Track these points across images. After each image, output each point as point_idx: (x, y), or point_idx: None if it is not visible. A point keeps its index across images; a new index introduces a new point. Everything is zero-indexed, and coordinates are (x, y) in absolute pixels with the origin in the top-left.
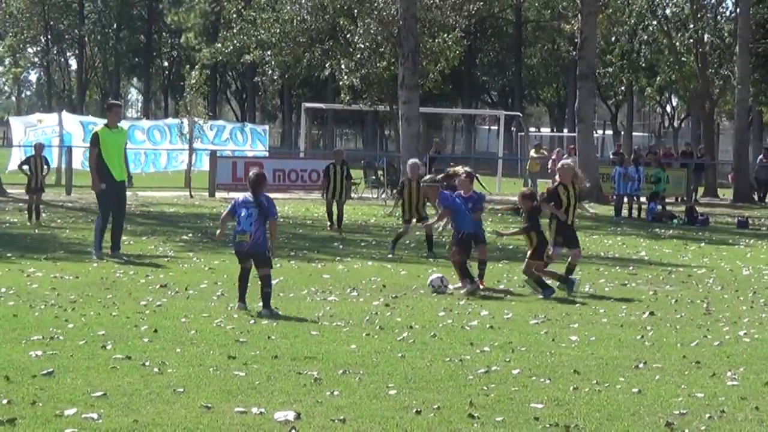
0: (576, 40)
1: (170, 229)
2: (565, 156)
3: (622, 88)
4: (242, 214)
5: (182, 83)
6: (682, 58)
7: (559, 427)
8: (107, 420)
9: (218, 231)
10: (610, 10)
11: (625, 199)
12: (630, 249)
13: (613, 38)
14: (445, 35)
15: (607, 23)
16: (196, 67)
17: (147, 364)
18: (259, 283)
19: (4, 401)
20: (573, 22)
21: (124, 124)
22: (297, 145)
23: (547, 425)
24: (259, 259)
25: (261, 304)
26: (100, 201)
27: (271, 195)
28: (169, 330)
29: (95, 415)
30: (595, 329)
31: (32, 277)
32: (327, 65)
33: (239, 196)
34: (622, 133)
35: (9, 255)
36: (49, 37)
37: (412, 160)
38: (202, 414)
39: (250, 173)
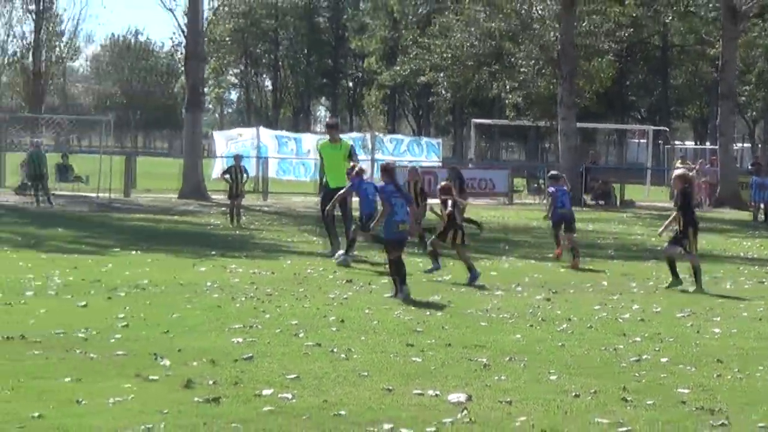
0: (717, 63)
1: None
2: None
3: (758, 104)
4: (397, 204)
5: (364, 101)
6: None
7: (704, 410)
8: (300, 400)
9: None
10: (749, 35)
11: (762, 206)
12: (767, 250)
13: (751, 60)
14: (599, 59)
15: (746, 47)
16: (374, 87)
17: (335, 350)
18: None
19: (210, 382)
20: (716, 46)
21: (311, 138)
22: (467, 156)
23: (693, 408)
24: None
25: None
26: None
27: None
28: (354, 320)
29: (289, 395)
30: (736, 322)
31: (233, 272)
32: (494, 86)
33: (363, 184)
34: (759, 145)
35: (213, 253)
36: (247, 60)
37: (411, 165)
38: (384, 395)
39: (384, 163)
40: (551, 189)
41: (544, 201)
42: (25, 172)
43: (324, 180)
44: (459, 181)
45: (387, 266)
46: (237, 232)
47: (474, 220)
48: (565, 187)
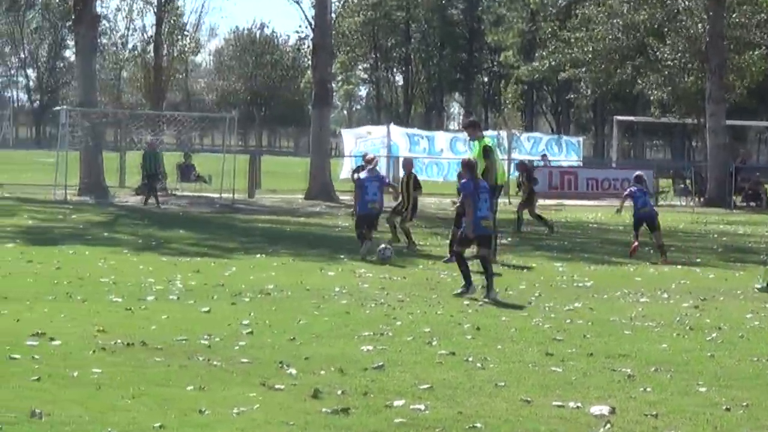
0: None
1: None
2: None
3: None
4: (484, 199)
5: (498, 98)
6: None
7: None
8: (433, 411)
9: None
10: None
11: None
12: None
13: None
14: (750, 52)
15: None
16: (511, 82)
17: (470, 359)
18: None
19: (339, 392)
20: None
21: (444, 137)
22: (609, 155)
23: None
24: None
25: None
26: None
27: (583, 202)
28: (490, 328)
29: (422, 407)
30: None
31: (363, 277)
32: (637, 81)
33: (467, 182)
34: None
35: (341, 257)
36: (377, 54)
37: (406, 157)
38: (522, 407)
39: (466, 159)
40: (631, 189)
41: (691, 203)
42: (141, 173)
43: None
44: (526, 174)
45: (486, 268)
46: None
47: (545, 219)
48: (644, 188)
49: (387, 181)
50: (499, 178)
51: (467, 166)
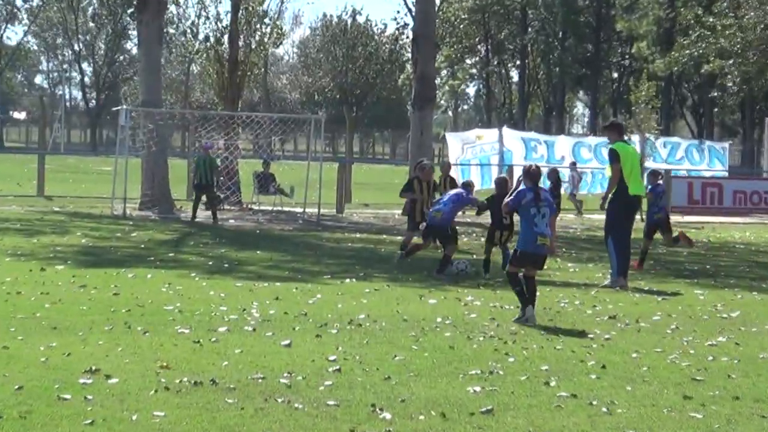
0: None
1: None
2: None
3: None
4: (543, 214)
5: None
6: None
7: None
8: None
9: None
10: None
11: None
12: None
13: None
14: None
15: None
16: (643, 78)
17: (594, 402)
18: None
19: None
20: None
21: (566, 142)
22: (759, 164)
23: None
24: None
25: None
26: (615, 221)
27: (730, 218)
28: (618, 366)
29: None
30: None
31: (470, 306)
32: None
33: (525, 192)
34: None
35: (444, 282)
36: (488, 46)
37: (427, 162)
38: None
39: (527, 165)
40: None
41: None
42: (192, 182)
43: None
44: (554, 183)
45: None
46: (474, 256)
47: (685, 237)
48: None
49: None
50: (634, 189)
51: (528, 173)
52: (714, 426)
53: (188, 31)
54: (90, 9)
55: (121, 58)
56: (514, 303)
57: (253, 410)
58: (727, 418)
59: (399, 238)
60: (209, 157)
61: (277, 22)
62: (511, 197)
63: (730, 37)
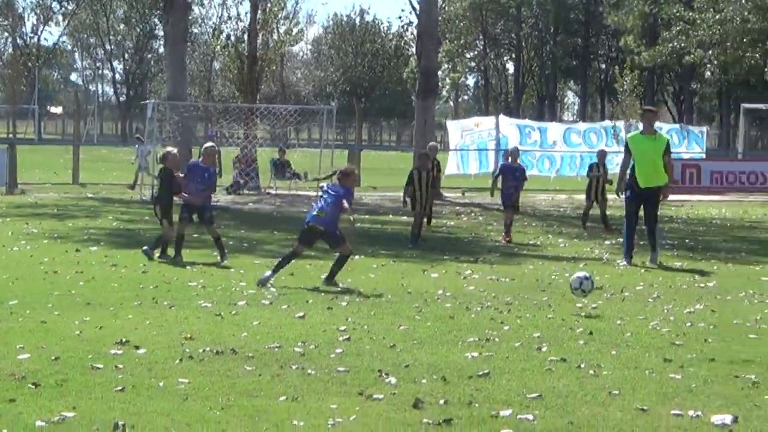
0: None
1: (600, 231)
2: None
3: None
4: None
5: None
6: None
7: None
8: (542, 421)
9: None
10: None
11: None
12: None
13: None
14: None
15: None
16: (626, 69)
17: (582, 366)
18: None
19: (441, 401)
20: None
21: (557, 128)
22: (735, 147)
23: None
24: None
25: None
26: (625, 208)
27: (708, 197)
28: (604, 332)
29: (530, 416)
30: None
31: (468, 279)
32: None
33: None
34: None
35: (446, 257)
36: (486, 41)
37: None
38: (637, 416)
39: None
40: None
41: None
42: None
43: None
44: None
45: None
46: (473, 235)
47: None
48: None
49: None
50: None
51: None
52: (692, 386)
53: (210, 31)
54: (120, 11)
55: (149, 56)
56: (510, 276)
57: (269, 376)
58: (704, 378)
59: (404, 218)
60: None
61: (293, 21)
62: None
63: (709, 29)
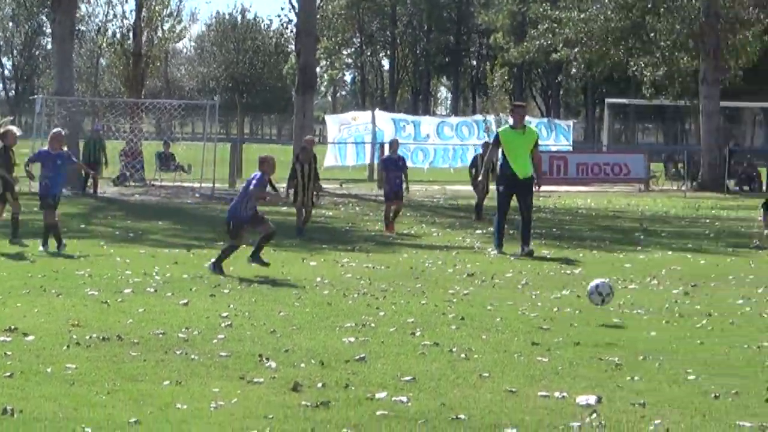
0: None
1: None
2: None
3: None
4: None
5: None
6: None
7: None
8: (416, 403)
9: None
10: None
11: None
12: None
13: None
14: (746, 31)
15: None
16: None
17: (454, 350)
18: None
19: (319, 385)
20: None
21: (431, 122)
22: (600, 139)
23: None
24: None
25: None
26: (498, 199)
27: (575, 188)
28: (475, 317)
29: (405, 398)
30: None
31: (345, 267)
32: (630, 63)
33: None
34: None
35: (324, 246)
36: (362, 38)
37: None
38: (506, 397)
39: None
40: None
41: (683, 187)
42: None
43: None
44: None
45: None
46: (350, 225)
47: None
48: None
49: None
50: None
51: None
52: (558, 368)
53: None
54: (8, 8)
55: (38, 52)
56: (385, 264)
57: (154, 362)
58: (570, 361)
59: (284, 209)
60: (98, 138)
61: (177, 18)
62: None
63: (574, 27)
